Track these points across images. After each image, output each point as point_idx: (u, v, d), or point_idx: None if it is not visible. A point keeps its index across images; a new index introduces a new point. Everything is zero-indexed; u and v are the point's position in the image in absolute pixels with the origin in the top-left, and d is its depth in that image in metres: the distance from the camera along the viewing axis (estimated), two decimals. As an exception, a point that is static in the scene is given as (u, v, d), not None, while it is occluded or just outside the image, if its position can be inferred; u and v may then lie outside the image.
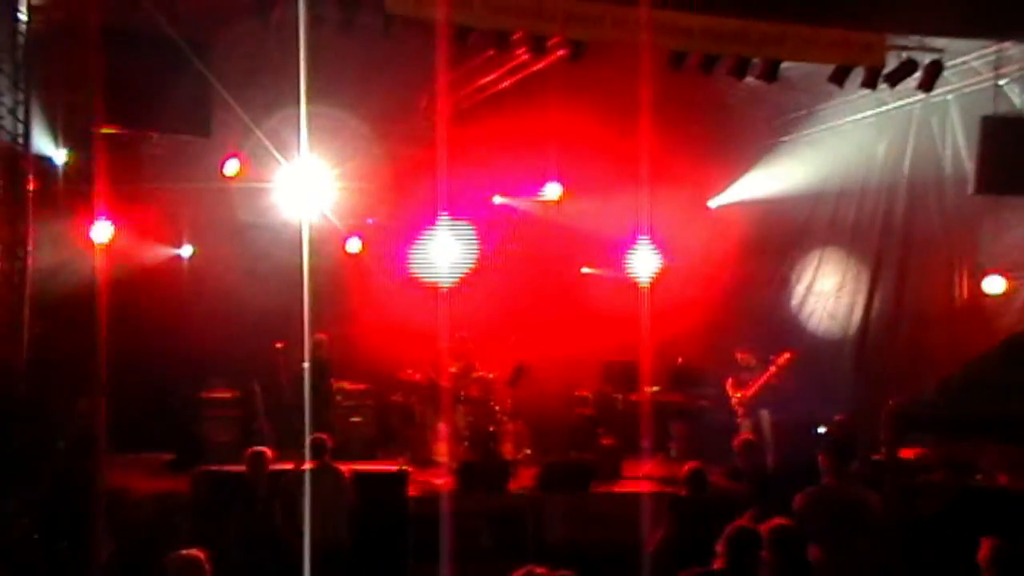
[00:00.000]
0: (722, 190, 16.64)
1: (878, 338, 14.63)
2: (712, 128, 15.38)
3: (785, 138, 15.89)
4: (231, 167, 13.67)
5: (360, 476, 11.18)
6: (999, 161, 11.71)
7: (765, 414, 13.40)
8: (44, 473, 8.90)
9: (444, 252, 15.77)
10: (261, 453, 9.97)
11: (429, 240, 15.81)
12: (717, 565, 6.58)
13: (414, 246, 15.93)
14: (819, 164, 15.21)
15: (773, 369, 13.47)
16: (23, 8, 9.57)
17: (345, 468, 10.45)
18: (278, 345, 13.85)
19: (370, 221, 15.79)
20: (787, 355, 13.47)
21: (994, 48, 12.13)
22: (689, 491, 9.23)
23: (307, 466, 9.90)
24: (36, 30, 9.92)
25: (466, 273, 15.90)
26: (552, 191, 16.20)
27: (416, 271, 15.91)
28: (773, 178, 15.82)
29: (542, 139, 15.05)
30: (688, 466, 9.52)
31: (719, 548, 6.62)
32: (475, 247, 16.15)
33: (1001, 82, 12.47)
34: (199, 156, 13.47)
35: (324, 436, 10.24)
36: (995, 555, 6.98)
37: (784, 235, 16.04)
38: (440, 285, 15.48)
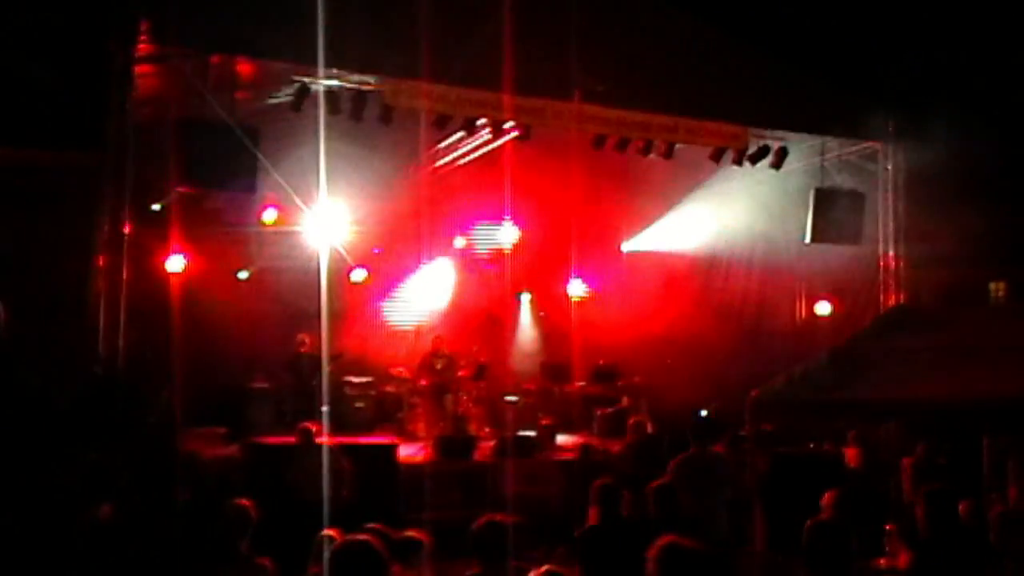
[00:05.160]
0: (633, 237, 16.85)
1: (744, 347, 14.90)
2: (626, 192, 15.66)
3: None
4: (269, 215, 13.75)
5: (362, 447, 11.33)
6: (826, 219, 12.40)
7: (643, 402, 14.15)
8: (138, 439, 8.92)
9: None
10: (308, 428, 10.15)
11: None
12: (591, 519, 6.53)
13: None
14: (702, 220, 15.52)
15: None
16: (128, 106, 9.89)
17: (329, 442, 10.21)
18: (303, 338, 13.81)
19: (376, 250, 15.57)
20: None
21: (819, 139, 12.86)
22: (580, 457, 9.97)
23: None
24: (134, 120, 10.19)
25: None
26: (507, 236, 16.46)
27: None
28: (669, 230, 16.11)
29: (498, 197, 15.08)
30: (577, 441, 10.15)
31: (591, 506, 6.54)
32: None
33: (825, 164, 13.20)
34: (246, 207, 13.55)
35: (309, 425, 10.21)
36: (840, 501, 7.64)
37: (674, 272, 16.28)
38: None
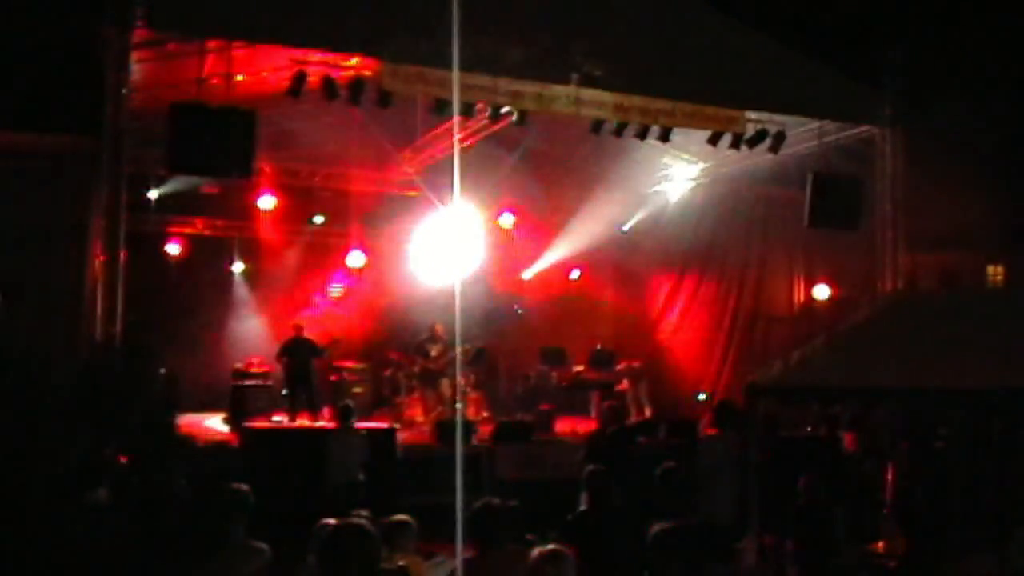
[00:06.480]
0: (630, 220, 16.75)
1: (742, 333, 15.02)
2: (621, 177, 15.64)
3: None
4: (266, 202, 13.69)
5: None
6: (823, 203, 12.15)
7: (643, 384, 14.12)
8: (135, 424, 8.80)
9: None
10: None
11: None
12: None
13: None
14: (700, 205, 15.52)
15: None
16: (125, 89, 9.75)
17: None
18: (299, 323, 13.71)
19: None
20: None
21: (817, 124, 12.65)
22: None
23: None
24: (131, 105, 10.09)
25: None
26: (506, 220, 16.48)
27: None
28: (668, 213, 16.05)
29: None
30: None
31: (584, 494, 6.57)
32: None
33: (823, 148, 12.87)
34: (238, 194, 13.57)
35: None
36: (813, 485, 7.69)
37: (674, 258, 16.22)
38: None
